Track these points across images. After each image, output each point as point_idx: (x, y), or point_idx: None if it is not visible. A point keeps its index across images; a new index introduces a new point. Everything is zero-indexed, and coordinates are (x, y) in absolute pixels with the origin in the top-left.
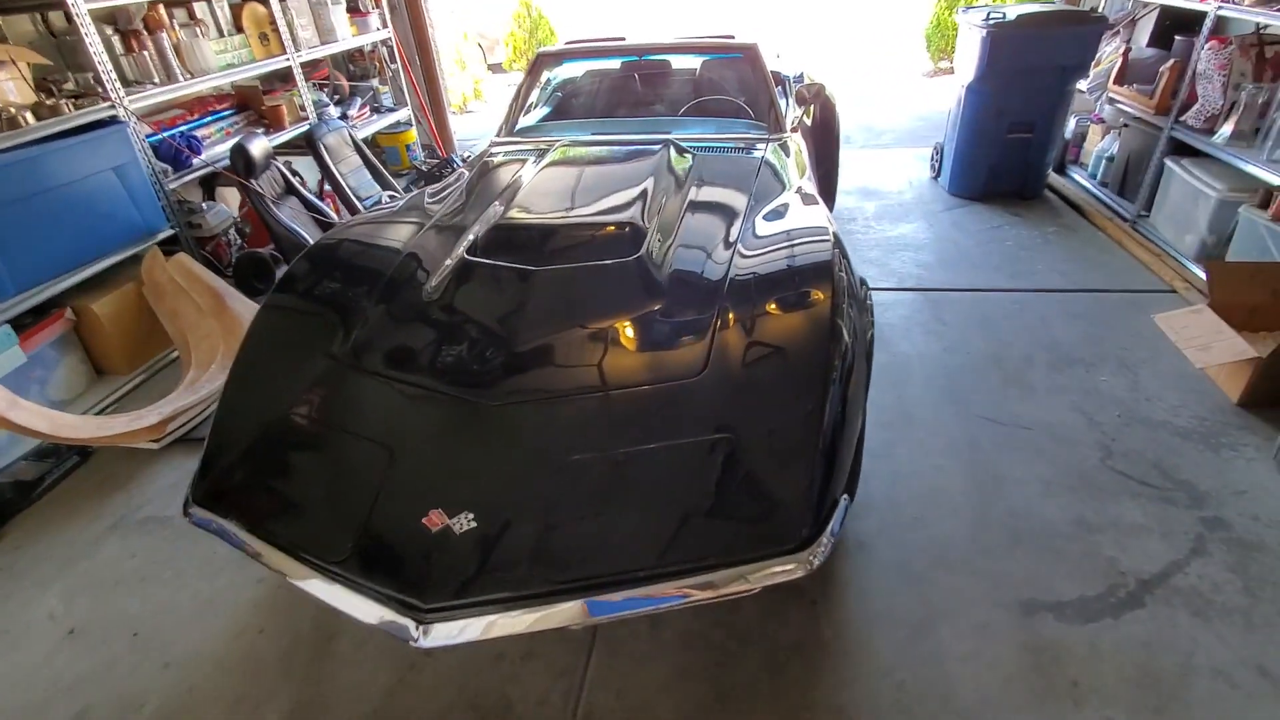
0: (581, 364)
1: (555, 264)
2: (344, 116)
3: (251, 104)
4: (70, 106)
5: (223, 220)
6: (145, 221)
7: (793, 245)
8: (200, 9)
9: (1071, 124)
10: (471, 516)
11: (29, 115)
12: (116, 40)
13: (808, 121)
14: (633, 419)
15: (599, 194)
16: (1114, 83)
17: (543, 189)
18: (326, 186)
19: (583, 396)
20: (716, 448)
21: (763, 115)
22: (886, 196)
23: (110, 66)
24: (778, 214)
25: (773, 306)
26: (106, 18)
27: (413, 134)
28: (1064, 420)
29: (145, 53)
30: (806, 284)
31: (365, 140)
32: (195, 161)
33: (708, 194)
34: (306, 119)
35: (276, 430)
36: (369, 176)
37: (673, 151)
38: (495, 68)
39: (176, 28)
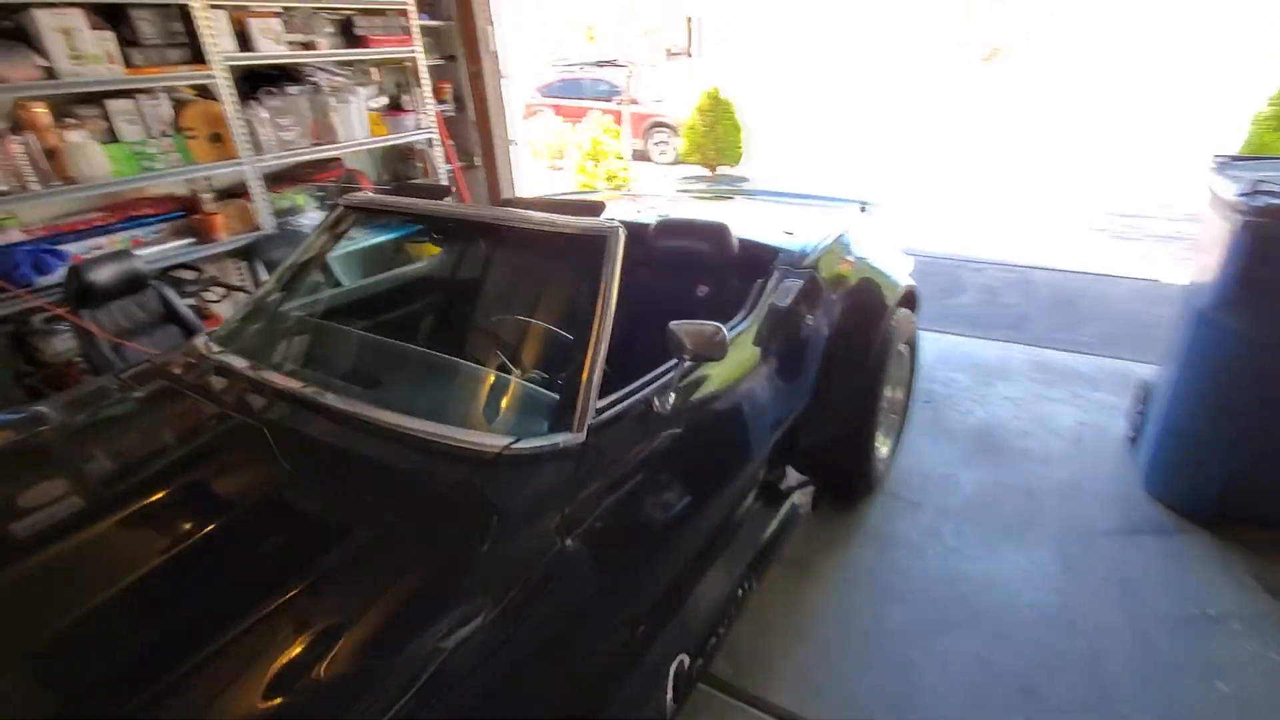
0: None
1: None
2: None
3: (195, 210)
4: None
5: (70, 348)
6: None
7: None
8: (122, 106)
9: None
10: None
11: None
12: None
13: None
14: None
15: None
16: None
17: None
18: None
19: None
20: None
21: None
22: (1014, 465)
23: None
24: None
25: None
26: None
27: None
28: None
29: None
30: None
31: (393, 248)
32: (38, 280)
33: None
34: (258, 229)
35: None
36: None
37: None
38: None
39: (62, 130)
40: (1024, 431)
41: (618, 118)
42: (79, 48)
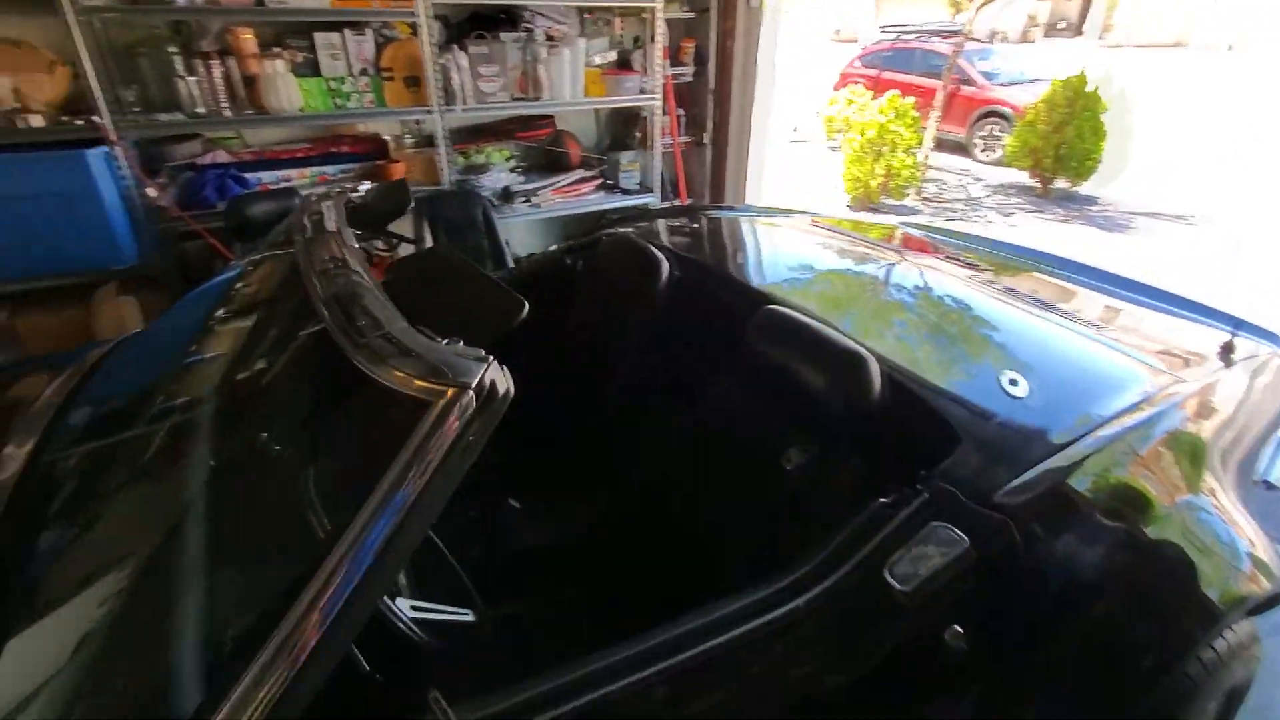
0: None
1: None
2: (507, 190)
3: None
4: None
5: None
6: (91, 255)
7: None
8: (329, 40)
9: None
10: None
11: None
12: (178, 60)
13: None
14: None
15: None
16: None
17: None
18: None
19: None
20: None
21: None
22: None
23: (98, 87)
24: None
25: None
26: (178, 33)
27: None
28: None
29: (193, 79)
30: None
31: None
32: (219, 204)
33: None
34: (438, 184)
35: None
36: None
37: None
38: None
39: (263, 60)
40: None
41: (927, 97)
42: None
